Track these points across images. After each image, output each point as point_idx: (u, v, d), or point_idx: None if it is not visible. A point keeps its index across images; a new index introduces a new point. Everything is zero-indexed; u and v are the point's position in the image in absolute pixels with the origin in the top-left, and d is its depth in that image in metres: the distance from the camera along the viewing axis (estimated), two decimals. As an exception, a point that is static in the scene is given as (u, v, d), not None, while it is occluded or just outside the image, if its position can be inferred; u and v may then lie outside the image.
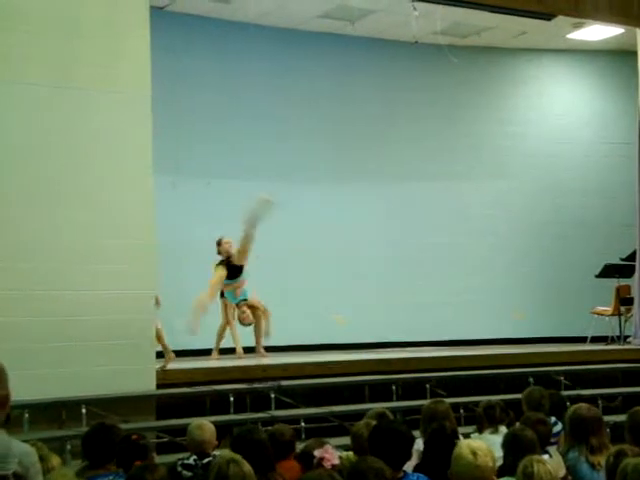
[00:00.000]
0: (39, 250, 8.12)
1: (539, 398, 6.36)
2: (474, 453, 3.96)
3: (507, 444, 4.81)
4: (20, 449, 3.13)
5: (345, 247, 12.94)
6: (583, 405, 5.34)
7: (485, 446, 4.08)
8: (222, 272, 10.47)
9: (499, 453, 5.21)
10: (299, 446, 5.37)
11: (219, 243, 10.66)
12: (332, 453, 4.73)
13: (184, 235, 11.22)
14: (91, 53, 8.46)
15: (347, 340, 12.41)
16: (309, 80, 13.04)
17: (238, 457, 3.91)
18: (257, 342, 10.91)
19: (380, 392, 9.47)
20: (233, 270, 10.54)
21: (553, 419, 6.16)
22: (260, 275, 11.62)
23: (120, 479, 4.52)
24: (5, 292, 7.90)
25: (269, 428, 5.73)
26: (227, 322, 10.81)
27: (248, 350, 10.88)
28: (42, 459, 3.97)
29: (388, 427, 4.68)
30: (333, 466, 4.65)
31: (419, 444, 5.52)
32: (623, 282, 12.72)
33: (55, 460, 4.55)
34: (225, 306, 10.84)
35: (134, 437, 4.87)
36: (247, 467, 3.81)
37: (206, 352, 10.82)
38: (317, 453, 4.71)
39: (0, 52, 8.05)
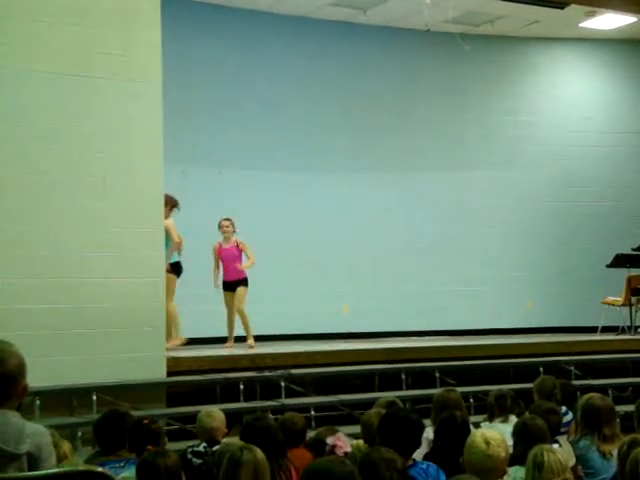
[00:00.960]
0: (51, 238, 8.16)
1: (551, 387, 6.35)
2: (487, 442, 3.97)
3: (517, 433, 4.82)
4: (34, 429, 3.14)
5: (356, 236, 12.94)
6: (596, 395, 5.35)
7: (499, 436, 4.08)
8: None
9: (509, 442, 5.23)
10: (309, 434, 5.39)
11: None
12: (344, 441, 4.75)
13: (195, 223, 11.22)
14: (103, 42, 8.48)
15: (356, 329, 12.43)
16: (320, 68, 13.01)
17: (251, 445, 3.92)
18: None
19: (390, 381, 9.49)
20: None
21: (564, 409, 6.16)
22: (270, 263, 11.66)
23: (131, 465, 4.54)
24: (17, 280, 7.95)
25: (280, 416, 5.75)
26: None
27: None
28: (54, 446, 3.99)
29: (398, 414, 4.69)
30: (345, 454, 4.66)
31: (429, 433, 5.53)
32: (634, 272, 12.67)
33: (66, 446, 4.56)
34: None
35: (146, 422, 4.90)
36: (260, 454, 3.82)
37: (216, 340, 10.85)
38: (329, 441, 4.73)
39: (14, 41, 8.08)
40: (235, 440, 4.77)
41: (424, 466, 4.39)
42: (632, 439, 4.23)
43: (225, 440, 5.43)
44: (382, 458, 3.77)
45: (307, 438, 5.37)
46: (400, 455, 3.94)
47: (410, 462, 4.34)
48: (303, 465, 4.64)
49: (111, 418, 4.99)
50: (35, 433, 3.11)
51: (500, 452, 4.00)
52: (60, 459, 4.25)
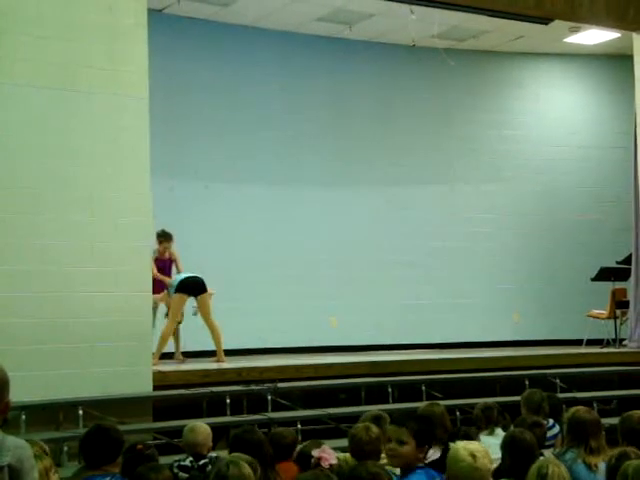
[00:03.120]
0: (37, 252, 8.14)
1: (539, 400, 6.37)
2: (473, 455, 3.96)
3: (506, 446, 4.83)
4: (15, 443, 3.14)
5: (342, 250, 12.97)
6: (582, 408, 5.36)
7: (482, 447, 4.09)
8: None
9: (496, 455, 5.24)
10: (297, 448, 5.40)
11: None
12: (330, 453, 4.74)
13: (181, 238, 11.22)
14: (89, 56, 8.49)
15: (342, 342, 12.44)
16: (306, 83, 13.06)
17: (237, 459, 3.92)
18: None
19: (376, 394, 9.50)
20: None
21: (551, 422, 6.19)
22: (257, 277, 11.67)
23: None
24: (2, 294, 7.93)
25: (267, 430, 5.76)
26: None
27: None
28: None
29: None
30: (331, 466, 4.66)
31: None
32: (619, 285, 12.74)
33: (47, 462, 4.51)
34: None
35: (139, 447, 4.86)
36: (247, 469, 3.82)
37: (202, 354, 10.84)
38: (315, 453, 4.72)
39: (1, 54, 8.07)
40: (225, 454, 4.78)
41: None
42: (621, 452, 4.24)
43: (214, 454, 5.44)
44: (368, 472, 3.78)
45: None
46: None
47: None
48: (289, 478, 4.66)
49: (96, 433, 4.92)
50: (16, 446, 3.11)
51: (486, 464, 4.00)
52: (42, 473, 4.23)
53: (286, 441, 5.23)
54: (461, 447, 3.99)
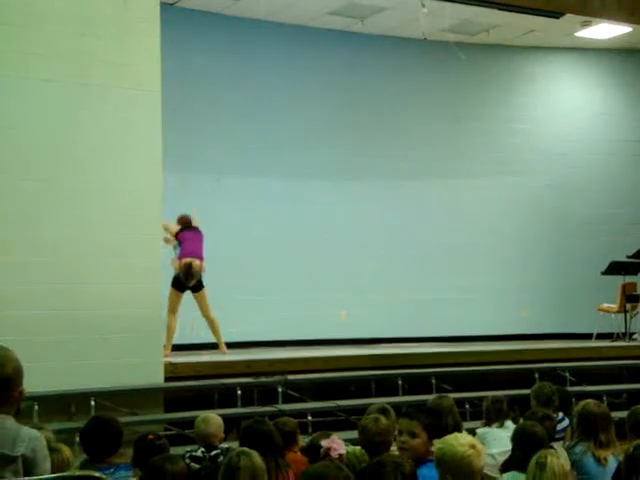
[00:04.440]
0: (49, 244, 8.20)
1: (549, 394, 6.38)
2: (473, 446, 3.83)
3: (517, 439, 4.86)
4: (28, 433, 3.19)
5: (353, 243, 12.98)
6: (592, 401, 5.38)
7: (472, 437, 3.99)
8: None
9: (505, 447, 5.28)
10: (306, 439, 5.44)
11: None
12: (339, 443, 4.78)
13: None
14: (103, 50, 8.54)
15: (353, 335, 12.47)
16: (318, 77, 13.07)
17: (249, 450, 3.96)
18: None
19: (386, 387, 9.54)
20: None
21: (561, 415, 6.21)
22: (268, 270, 11.71)
23: (121, 471, 4.57)
24: (14, 286, 7.99)
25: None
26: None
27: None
28: (52, 450, 4.00)
29: None
30: (340, 456, 4.70)
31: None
32: (629, 279, 12.76)
33: (67, 451, 4.56)
34: None
35: (150, 437, 4.89)
36: (258, 459, 3.86)
37: (213, 346, 10.89)
38: (324, 443, 4.76)
39: (14, 49, 8.13)
40: (236, 445, 4.82)
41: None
42: (638, 444, 4.22)
43: (225, 445, 5.48)
44: (391, 461, 3.78)
45: (303, 443, 5.43)
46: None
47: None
48: (299, 470, 4.70)
49: (96, 426, 4.92)
50: (30, 437, 3.17)
51: (482, 448, 3.94)
52: (62, 464, 4.27)
53: (286, 428, 5.28)
54: (456, 442, 3.79)
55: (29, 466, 3.13)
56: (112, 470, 4.64)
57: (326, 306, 12.62)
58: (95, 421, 5.05)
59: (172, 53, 10.13)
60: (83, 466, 4.85)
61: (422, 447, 4.25)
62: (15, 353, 3.28)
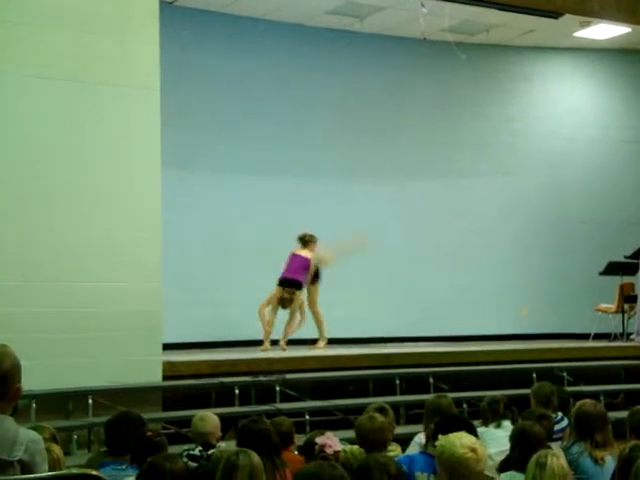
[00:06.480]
0: (48, 242, 8.20)
1: (548, 394, 6.39)
2: (473, 449, 3.83)
3: (515, 438, 4.86)
4: (27, 436, 3.17)
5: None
6: (589, 401, 5.39)
7: (473, 439, 3.97)
8: None
9: (503, 447, 5.27)
10: (302, 439, 5.45)
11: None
12: (334, 440, 4.78)
13: (191, 228, 11.26)
14: (101, 48, 8.53)
15: (351, 335, 12.45)
16: (317, 76, 13.06)
17: (246, 449, 3.97)
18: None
19: (384, 386, 9.54)
20: None
21: (559, 415, 6.22)
22: (267, 270, 11.68)
23: (132, 470, 4.57)
24: (13, 283, 7.99)
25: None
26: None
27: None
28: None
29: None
30: (335, 452, 4.71)
31: (421, 438, 5.60)
32: (627, 280, 12.75)
33: (57, 450, 4.54)
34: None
35: (149, 434, 4.90)
36: (256, 458, 3.86)
37: (212, 345, 10.89)
38: (319, 440, 4.77)
39: (12, 45, 8.13)
40: (232, 445, 4.82)
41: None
42: (634, 445, 4.22)
43: (222, 444, 5.49)
44: (377, 462, 3.81)
45: (299, 443, 5.44)
46: None
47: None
48: (295, 469, 4.71)
49: (123, 421, 5.01)
50: (29, 440, 3.15)
51: (485, 453, 3.94)
52: (51, 463, 4.26)
53: (282, 428, 5.29)
54: (457, 444, 3.81)
55: (27, 470, 3.12)
56: (124, 467, 4.69)
57: (325, 306, 12.59)
58: (123, 417, 5.11)
59: (171, 51, 10.12)
60: (98, 457, 4.90)
61: None
62: (12, 350, 3.28)
